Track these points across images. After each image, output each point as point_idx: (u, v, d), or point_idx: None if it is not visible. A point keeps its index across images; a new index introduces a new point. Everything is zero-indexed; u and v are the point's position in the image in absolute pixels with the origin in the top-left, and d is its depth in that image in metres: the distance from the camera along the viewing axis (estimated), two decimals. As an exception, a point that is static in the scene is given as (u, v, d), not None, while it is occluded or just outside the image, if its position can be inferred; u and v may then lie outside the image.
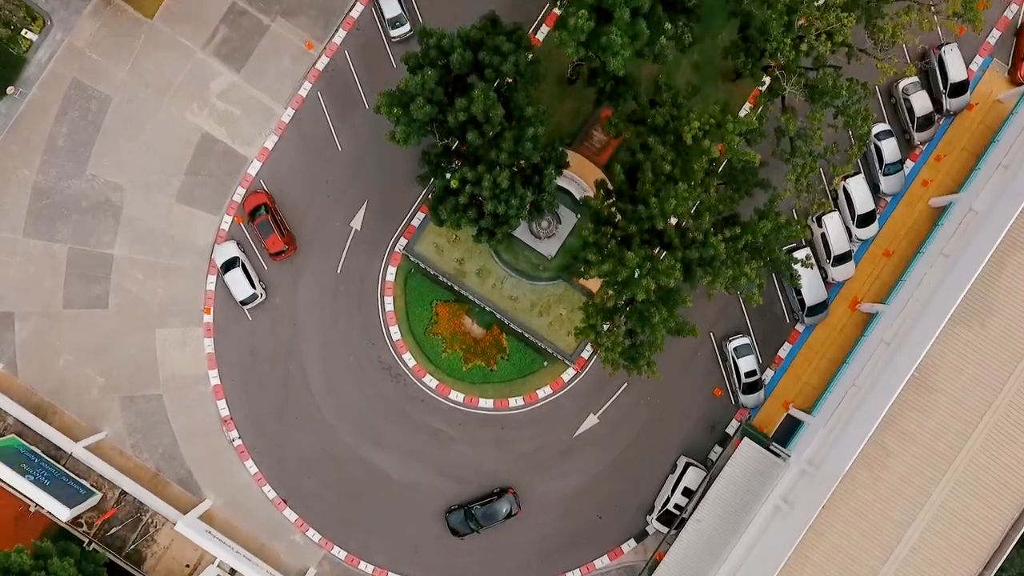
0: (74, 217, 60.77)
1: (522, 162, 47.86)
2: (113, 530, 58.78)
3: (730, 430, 60.83)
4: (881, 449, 48.84)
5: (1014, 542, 49.31)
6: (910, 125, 59.96)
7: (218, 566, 58.05)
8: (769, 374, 60.97)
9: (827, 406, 55.69)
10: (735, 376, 59.93)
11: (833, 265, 59.23)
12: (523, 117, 46.76)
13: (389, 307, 61.14)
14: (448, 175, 49.95)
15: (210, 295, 60.91)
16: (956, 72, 59.08)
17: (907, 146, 60.86)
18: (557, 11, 57.56)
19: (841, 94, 44.27)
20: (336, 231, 61.10)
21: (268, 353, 61.07)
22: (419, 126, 46.41)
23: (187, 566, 59.86)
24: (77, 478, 57.01)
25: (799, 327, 60.93)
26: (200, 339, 61.03)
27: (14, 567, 48.81)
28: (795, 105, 45.97)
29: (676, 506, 58.41)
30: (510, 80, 46.77)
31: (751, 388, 59.73)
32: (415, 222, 60.91)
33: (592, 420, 61.15)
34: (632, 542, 61.04)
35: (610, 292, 46.89)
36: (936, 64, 59.42)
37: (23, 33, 59.84)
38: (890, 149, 59.38)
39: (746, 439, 56.59)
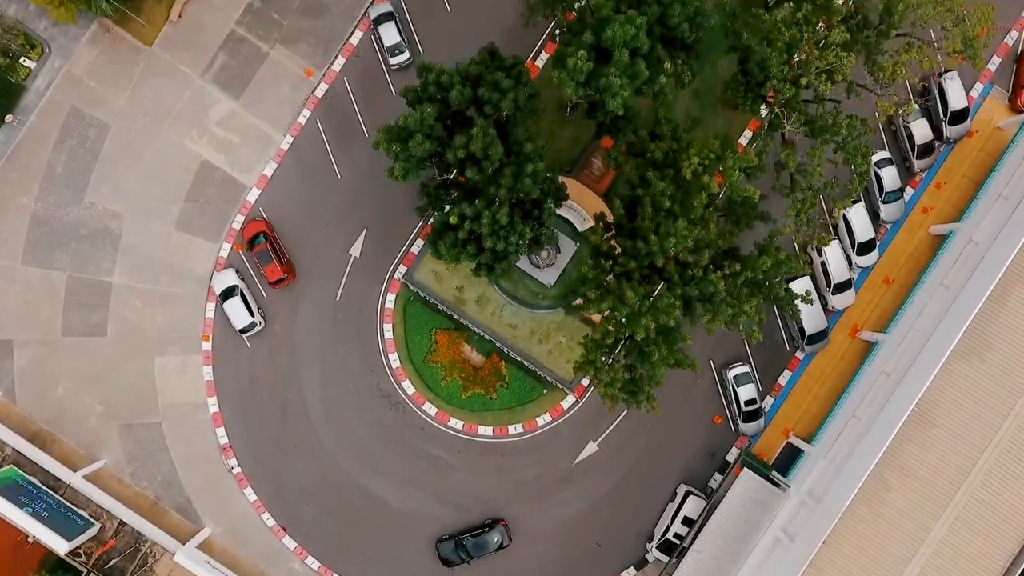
0: (73, 245, 60.66)
1: (521, 195, 47.68)
2: (112, 561, 58.67)
3: (730, 458, 60.74)
4: (881, 484, 48.73)
5: (1014, 578, 49.27)
6: (910, 153, 59.87)
7: (217, 596, 57.98)
8: (769, 401, 60.89)
9: (827, 436, 55.58)
10: (735, 404, 59.84)
11: (833, 293, 59.15)
12: (522, 152, 46.63)
13: (388, 335, 61.03)
14: (447, 208, 49.91)
15: (209, 323, 60.81)
16: (956, 100, 59.00)
17: (907, 173, 60.79)
18: (555, 42, 57.47)
19: (841, 132, 44.16)
20: (335, 259, 60.99)
21: (267, 381, 60.97)
22: (417, 162, 46.30)
23: (186, 595, 59.77)
24: (76, 508, 56.90)
25: (799, 355, 60.85)
26: (199, 367, 60.93)
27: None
28: (795, 139, 45.76)
29: (676, 535, 58.31)
30: (509, 115, 46.60)
31: (751, 416, 59.64)
32: (414, 249, 60.83)
33: (591, 448, 61.06)
34: (632, 570, 60.95)
35: (609, 327, 46.73)
36: (936, 92, 59.33)
37: (21, 61, 59.76)
38: (890, 177, 59.30)
39: (746, 469, 56.42)
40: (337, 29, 61.04)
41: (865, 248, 59.35)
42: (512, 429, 61.04)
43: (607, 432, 60.88)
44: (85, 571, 57.67)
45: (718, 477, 60.46)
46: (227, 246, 60.82)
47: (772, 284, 46.89)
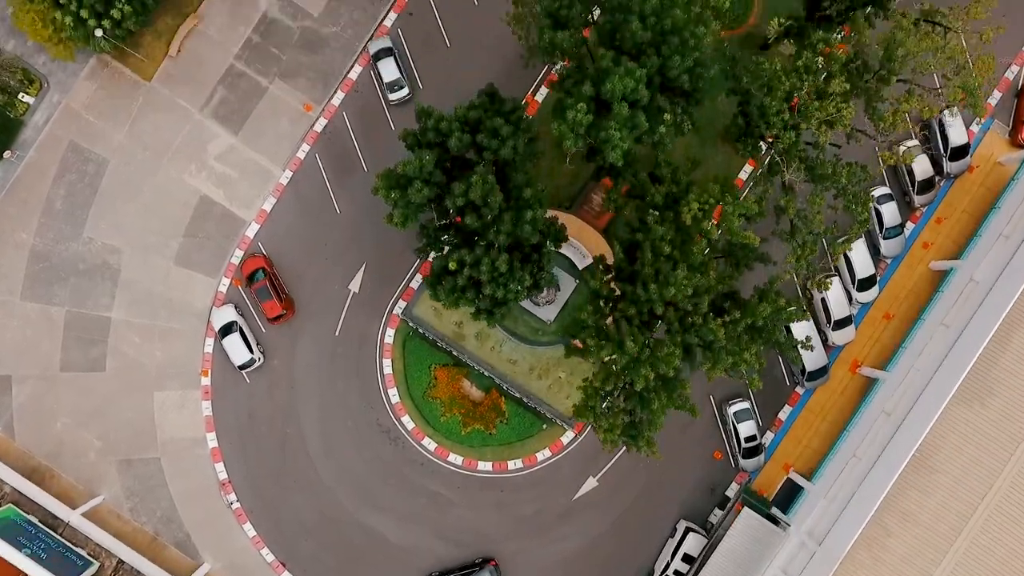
0: (71, 280, 60.55)
1: (521, 240, 47.53)
2: (111, 599, 58.61)
3: (730, 493, 60.62)
4: (881, 529, 48.61)
5: (1016, 624, 49.11)
6: (911, 188, 59.77)
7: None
8: (769, 436, 60.76)
9: (827, 475, 55.42)
10: (735, 440, 59.72)
11: (833, 329, 59.03)
12: (521, 197, 46.50)
13: (388, 370, 60.92)
14: (446, 250, 49.81)
15: (208, 358, 60.69)
16: (957, 136, 58.91)
17: (907, 209, 60.66)
18: (556, 74, 57.34)
19: (841, 180, 44.05)
20: (334, 294, 60.89)
21: (266, 416, 60.85)
22: (416, 208, 46.18)
23: (185, 632, 59.70)
24: (74, 548, 56.69)
25: (799, 390, 60.72)
26: (198, 402, 60.81)
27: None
28: (795, 184, 45.66)
29: (676, 572, 58.17)
30: (508, 160, 46.48)
31: (751, 452, 59.52)
32: (414, 284, 60.74)
33: (591, 483, 60.93)
34: (632, 606, 60.88)
35: (609, 373, 46.57)
36: (936, 127, 59.22)
37: (20, 97, 59.62)
38: (890, 213, 59.20)
39: (746, 508, 56.30)
40: (336, 64, 60.95)
41: (865, 284, 59.24)
42: (512, 464, 60.93)
43: (607, 467, 60.76)
44: (84, 610, 57.45)
45: (718, 512, 60.35)
46: (226, 281, 60.71)
47: (772, 330, 46.73)
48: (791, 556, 53.30)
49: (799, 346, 48.85)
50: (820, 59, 45.43)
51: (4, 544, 52.23)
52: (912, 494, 48.66)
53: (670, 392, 45.60)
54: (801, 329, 56.27)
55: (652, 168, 50.63)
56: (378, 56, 59.50)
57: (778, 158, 44.67)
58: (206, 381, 60.76)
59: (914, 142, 59.31)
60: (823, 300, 58.59)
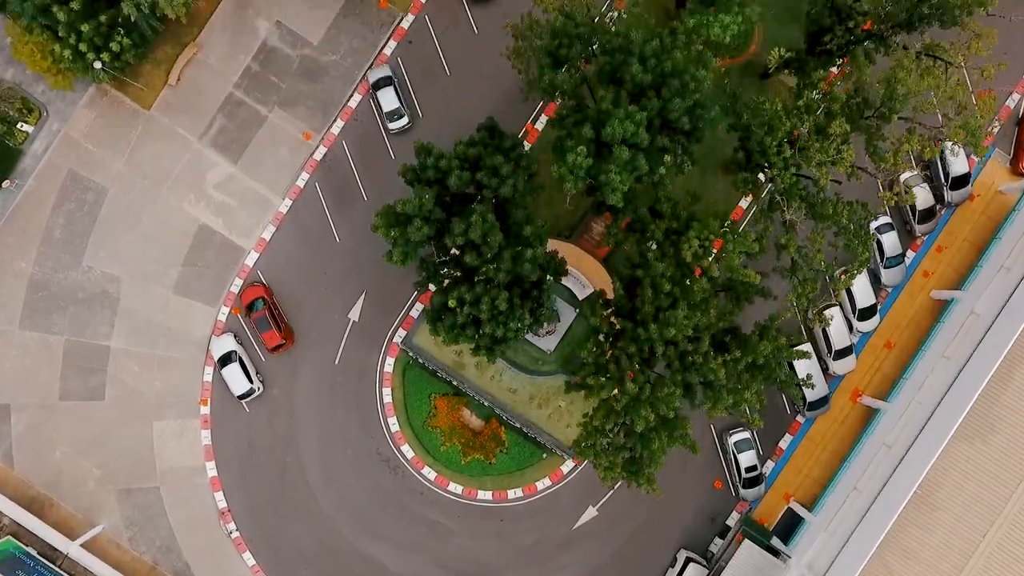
0: (71, 309, 60.43)
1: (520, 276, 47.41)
2: (110, 632, 58.48)
3: (731, 522, 60.48)
4: (883, 566, 48.47)
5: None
6: (911, 218, 59.62)
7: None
8: (770, 466, 60.63)
9: (828, 507, 55.28)
10: (735, 469, 59.57)
11: (834, 359, 58.93)
12: (521, 235, 46.36)
13: (387, 399, 60.79)
14: (445, 283, 49.68)
15: (207, 387, 60.58)
16: (958, 166, 58.77)
17: (908, 237, 60.51)
18: (555, 102, 57.23)
19: (842, 220, 43.91)
20: (334, 322, 60.76)
21: (266, 445, 60.72)
22: (416, 245, 46.04)
23: (185, 662, 59.55)
24: (73, 580, 56.69)
25: (800, 419, 60.57)
26: (197, 431, 60.69)
27: None
28: (796, 221, 45.51)
29: (677, 603, 58.09)
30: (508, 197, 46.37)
31: (752, 482, 59.38)
32: (414, 313, 60.64)
33: (591, 512, 60.78)
34: (632, 637, 60.72)
35: (610, 411, 46.42)
36: (937, 157, 59.02)
37: (19, 126, 59.48)
38: (891, 242, 59.08)
39: (746, 540, 56.15)
40: (336, 92, 60.83)
41: (866, 313, 59.12)
42: (512, 493, 60.78)
43: (607, 497, 60.60)
44: (83, 642, 57.37)
45: (719, 542, 60.20)
46: (225, 310, 60.59)
47: (773, 368, 46.59)
48: (792, 589, 53.19)
49: (800, 384, 48.67)
50: (821, 95, 45.29)
51: (3, 578, 52.15)
52: (913, 531, 48.54)
53: (671, 431, 45.48)
54: (803, 365, 56.06)
55: (652, 202, 50.50)
56: (377, 85, 59.36)
57: (778, 196, 44.51)
58: (205, 410, 60.63)
59: (915, 172, 59.13)
60: (824, 330, 58.42)
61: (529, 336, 57.74)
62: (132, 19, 52.76)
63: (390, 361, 60.74)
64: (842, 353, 58.86)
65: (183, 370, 60.65)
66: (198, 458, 60.68)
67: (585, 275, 58.73)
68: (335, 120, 60.78)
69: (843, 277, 47.81)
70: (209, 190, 60.70)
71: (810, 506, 58.47)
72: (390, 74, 59.63)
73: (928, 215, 59.58)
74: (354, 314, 60.72)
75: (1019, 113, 61.04)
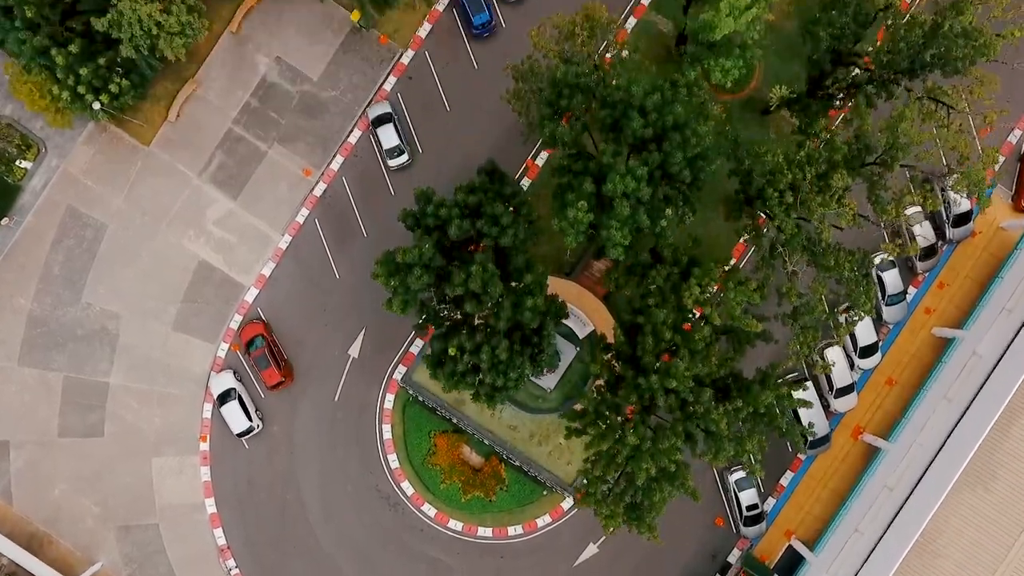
0: (69, 345, 60.27)
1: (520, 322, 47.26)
2: (109, 672, 58.38)
3: (732, 559, 60.28)
4: (885, 613, 48.34)
5: None
6: (913, 255, 59.36)
7: None
8: (771, 502, 60.44)
9: (829, 548, 55.07)
10: (736, 507, 59.39)
11: (835, 397, 58.74)
12: (522, 281, 46.18)
13: (387, 435, 60.62)
14: (444, 327, 49.54)
15: (206, 423, 60.41)
16: (959, 202, 58.50)
17: (909, 274, 60.30)
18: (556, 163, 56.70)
19: (843, 272, 43.73)
20: (334, 359, 60.58)
21: (265, 482, 60.54)
22: (416, 294, 45.86)
23: None
24: (72, 620, 56.56)
25: (801, 456, 60.37)
26: (196, 467, 60.51)
27: None
28: (798, 272, 45.34)
29: (677, 642, 57.88)
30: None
31: (753, 520, 59.20)
32: (413, 349, 60.42)
33: (592, 549, 60.59)
34: (633, 675, 60.54)
35: (610, 461, 46.24)
36: (939, 194, 58.81)
37: (17, 162, 59.28)
38: (892, 280, 58.90)
39: (748, 580, 56.10)
40: (335, 128, 60.65)
41: (868, 351, 58.95)
42: (512, 530, 60.61)
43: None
44: None
45: (719, 578, 60.11)
46: (224, 346, 60.41)
47: (775, 416, 46.39)
48: (793, 632, 53.01)
49: (802, 433, 48.50)
50: (823, 142, 45.12)
51: (1, 622, 51.97)
52: (915, 578, 48.43)
53: (672, 481, 45.28)
54: (804, 414, 55.84)
55: (653, 244, 50.31)
56: (377, 122, 59.15)
57: (780, 247, 44.34)
58: (205, 446, 60.47)
59: (916, 209, 58.88)
60: (825, 366, 58.13)
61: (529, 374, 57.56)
62: (131, 59, 52.51)
63: (390, 398, 60.57)
64: (843, 391, 58.70)
65: (182, 407, 60.49)
66: (197, 495, 60.51)
67: (586, 312, 58.58)
68: (335, 156, 60.60)
69: (845, 323, 47.60)
70: (209, 226, 60.52)
71: (811, 544, 58.28)
72: (390, 111, 59.41)
73: (930, 252, 59.38)
74: (354, 350, 60.54)
75: (1021, 149, 60.86)
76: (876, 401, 59.96)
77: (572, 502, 60.51)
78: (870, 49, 50.89)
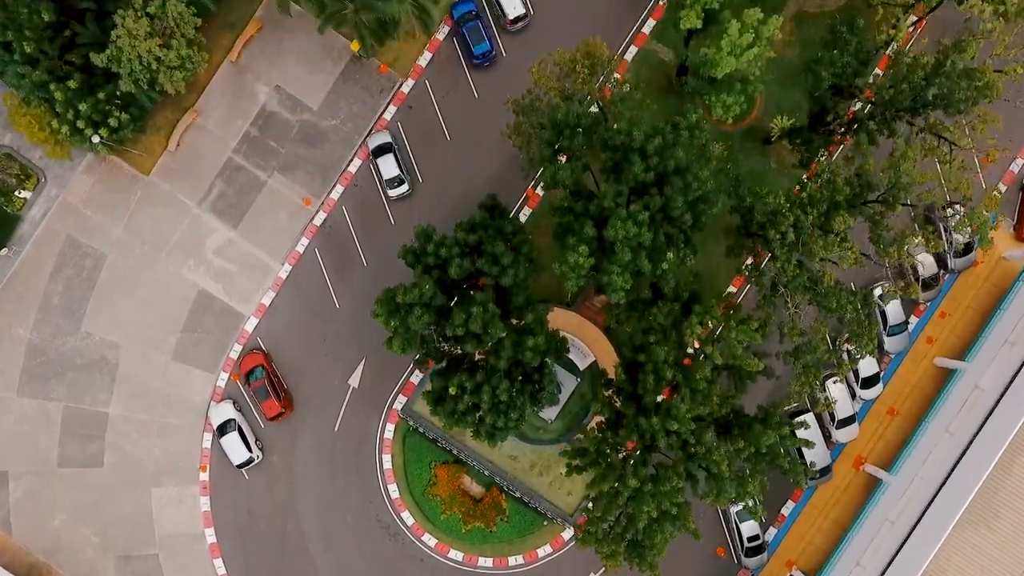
0: (69, 375, 60.13)
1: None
2: None
3: (733, 590, 60.19)
4: (886, 652, 48.16)
5: None
6: (916, 297, 58.97)
7: None
8: (772, 532, 60.25)
9: (831, 582, 54.93)
10: (737, 537, 59.20)
11: (837, 428, 58.54)
12: (522, 320, 46.02)
13: (387, 465, 60.44)
14: (444, 362, 49.40)
15: (206, 453, 60.25)
16: (961, 233, 58.24)
17: (911, 304, 60.10)
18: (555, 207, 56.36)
19: (846, 313, 43.58)
20: (334, 388, 60.41)
21: (265, 512, 60.38)
22: (416, 333, 45.69)
23: None
24: (71, 654, 56.40)
25: (802, 486, 60.10)
26: (196, 497, 60.36)
27: None
28: (799, 313, 45.19)
29: (678, 674, 57.70)
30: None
31: (754, 551, 58.99)
32: (414, 379, 60.23)
33: (593, 579, 60.54)
34: None
35: (611, 501, 46.06)
36: (940, 224, 58.60)
37: (17, 193, 59.12)
38: (894, 311, 58.73)
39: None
40: (335, 157, 60.48)
41: (869, 382, 58.74)
42: (512, 560, 60.41)
43: (608, 564, 60.16)
44: None
45: (721, 610, 59.89)
46: (224, 376, 60.26)
47: (777, 455, 46.22)
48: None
49: (803, 472, 48.35)
50: (824, 182, 44.97)
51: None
52: (917, 618, 48.21)
53: (673, 522, 45.10)
54: (809, 455, 55.71)
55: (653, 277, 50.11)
56: (377, 152, 58.98)
57: (782, 288, 44.18)
58: (204, 476, 60.30)
59: (918, 240, 58.64)
60: (826, 397, 57.94)
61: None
62: (131, 93, 52.37)
63: (390, 427, 60.40)
64: (845, 422, 58.51)
65: (182, 436, 60.33)
66: (197, 525, 60.35)
67: (587, 343, 58.46)
68: (335, 185, 60.43)
69: (848, 360, 47.46)
70: (208, 255, 60.36)
71: (813, 575, 58.07)
72: (390, 140, 59.23)
73: (932, 282, 59.17)
74: (354, 380, 60.38)
75: (1022, 179, 60.57)
76: (878, 431, 59.74)
77: (572, 532, 60.33)
78: (871, 81, 50.81)
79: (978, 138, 46.44)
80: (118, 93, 52.76)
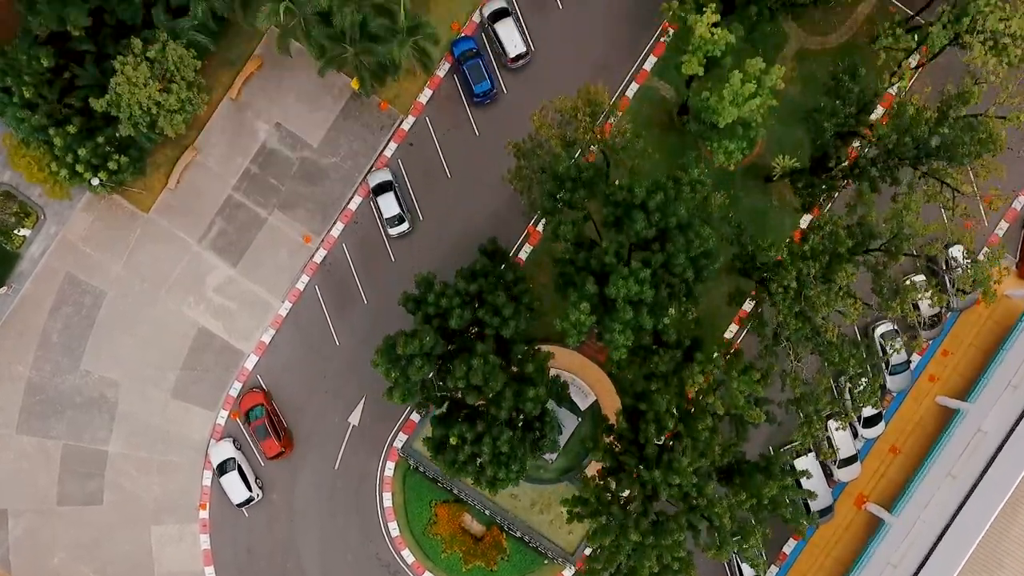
0: (68, 413, 59.97)
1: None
2: None
3: (734, 629, 59.95)
4: None
5: None
6: (917, 324, 59.01)
7: None
8: (773, 571, 60.04)
9: (833, 625, 54.72)
10: (739, 575, 58.98)
11: (839, 467, 58.35)
12: (523, 370, 45.85)
13: (388, 503, 60.27)
14: (445, 407, 49.25)
15: (206, 491, 60.09)
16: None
17: (913, 343, 59.85)
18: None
19: (849, 368, 43.40)
20: (334, 426, 60.24)
21: (265, 550, 60.22)
22: (416, 383, 45.51)
23: None
24: None
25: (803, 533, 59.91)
26: (196, 536, 60.21)
27: None
28: (801, 367, 45.05)
29: None
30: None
31: (755, 591, 58.80)
32: (414, 417, 60.04)
33: (594, 618, 60.16)
34: None
35: (612, 554, 45.87)
36: (943, 262, 58.45)
37: (16, 231, 58.94)
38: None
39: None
40: (335, 194, 60.27)
41: (871, 421, 58.55)
42: (513, 599, 60.27)
43: (609, 603, 59.95)
44: None
45: (722, 649, 59.71)
46: (224, 414, 60.09)
47: (779, 504, 46.00)
48: None
49: (805, 520, 48.18)
50: (826, 233, 44.82)
51: None
52: (919, 668, 48.00)
53: (674, 573, 44.89)
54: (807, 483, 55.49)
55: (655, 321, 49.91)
56: (378, 190, 58.76)
57: (785, 341, 44.00)
58: (204, 515, 60.15)
59: (920, 277, 58.52)
60: (828, 439, 57.89)
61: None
62: (131, 136, 52.20)
63: (390, 466, 60.22)
64: (847, 461, 58.33)
65: (182, 474, 60.16)
66: (197, 563, 60.20)
67: (588, 383, 58.33)
68: (335, 223, 60.23)
69: (851, 407, 47.32)
70: (208, 293, 60.19)
71: (814, 615, 57.95)
72: (390, 178, 59.01)
73: (934, 320, 59.00)
74: (354, 418, 60.21)
75: (1025, 217, 60.40)
76: (880, 469, 59.53)
77: (573, 571, 60.17)
78: (872, 123, 50.65)
79: (981, 184, 46.23)
80: (117, 136, 52.50)
